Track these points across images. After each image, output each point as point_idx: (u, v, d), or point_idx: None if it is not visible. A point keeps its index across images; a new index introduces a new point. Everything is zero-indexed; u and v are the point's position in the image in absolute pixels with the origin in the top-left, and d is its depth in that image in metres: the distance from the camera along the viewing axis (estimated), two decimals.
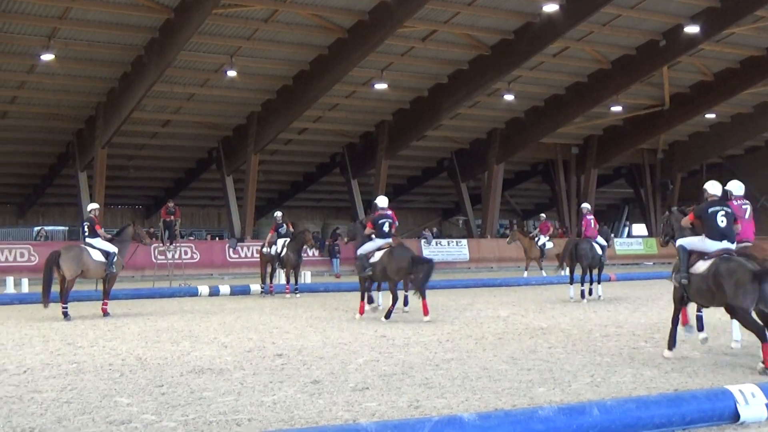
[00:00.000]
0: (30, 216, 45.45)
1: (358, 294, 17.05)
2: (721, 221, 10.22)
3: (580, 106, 37.65)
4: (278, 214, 24.11)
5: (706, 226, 10.30)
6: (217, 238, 42.22)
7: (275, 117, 34.44)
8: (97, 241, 17.22)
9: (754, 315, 9.60)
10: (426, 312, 15.25)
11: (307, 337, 12.99)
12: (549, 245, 30.10)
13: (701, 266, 10.18)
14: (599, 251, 20.13)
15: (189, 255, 33.16)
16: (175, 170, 44.09)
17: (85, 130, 35.12)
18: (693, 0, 29.86)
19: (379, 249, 15.84)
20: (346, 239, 18.58)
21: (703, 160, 48.71)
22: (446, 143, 43.56)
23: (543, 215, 33.10)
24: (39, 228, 42.62)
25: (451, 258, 38.38)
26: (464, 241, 41.23)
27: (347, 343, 12.29)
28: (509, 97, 36.33)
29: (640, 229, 54.44)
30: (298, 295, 22.44)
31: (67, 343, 12.69)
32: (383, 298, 17.79)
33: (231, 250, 35.12)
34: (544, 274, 29.69)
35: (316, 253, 33.86)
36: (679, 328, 10.81)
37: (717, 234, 10.20)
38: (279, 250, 22.59)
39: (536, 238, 30.45)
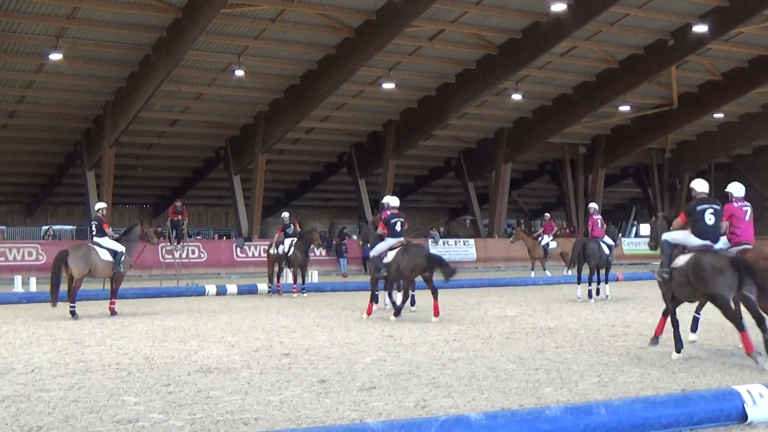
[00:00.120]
0: (38, 215, 45.58)
1: (365, 293, 17.07)
2: (709, 219, 10.48)
3: (587, 106, 37.56)
4: (285, 214, 24.14)
5: (693, 223, 10.55)
6: (224, 238, 42.27)
7: (283, 116, 34.45)
8: (105, 241, 17.26)
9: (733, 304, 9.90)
10: (436, 313, 15.24)
11: (314, 337, 12.99)
12: (552, 245, 30.04)
13: (681, 260, 10.43)
14: (607, 251, 20.11)
15: (196, 254, 33.20)
16: (183, 169, 44.15)
17: (93, 129, 35.18)
18: None
19: (391, 249, 15.79)
20: (361, 242, 18.53)
21: (711, 159, 48.54)
22: (454, 143, 43.52)
23: (547, 215, 33.05)
24: (47, 227, 42.71)
25: (458, 258, 38.33)
26: (471, 241, 41.21)
27: (354, 342, 12.29)
28: (517, 97, 36.30)
29: (647, 229, 54.28)
30: (305, 295, 22.45)
31: (75, 342, 12.72)
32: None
33: (238, 249, 35.16)
34: (548, 273, 29.63)
35: (323, 252, 33.88)
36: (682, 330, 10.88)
37: (702, 231, 10.47)
38: (286, 250, 22.62)
39: (540, 238, 30.40)
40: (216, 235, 44.83)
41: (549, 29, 29.52)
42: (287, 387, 8.75)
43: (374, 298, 16.57)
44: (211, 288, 23.25)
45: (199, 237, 41.39)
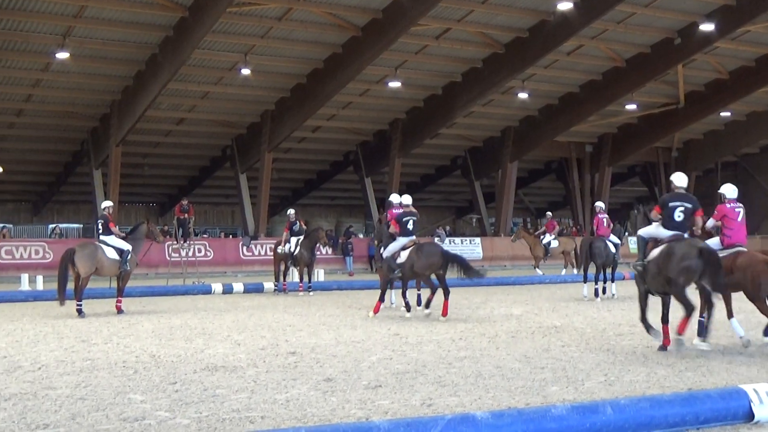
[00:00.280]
0: (45, 213, 45.71)
1: (371, 292, 17.03)
2: (678, 216, 10.82)
3: (594, 104, 37.53)
4: (291, 211, 24.16)
5: (664, 216, 10.88)
6: (230, 236, 42.32)
7: (289, 115, 34.48)
8: (112, 239, 17.29)
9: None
10: (445, 312, 15.17)
11: (320, 335, 12.99)
12: (554, 243, 29.98)
13: (655, 252, 10.77)
14: (613, 250, 20.07)
15: (203, 253, 33.26)
16: (189, 168, 44.24)
17: (100, 128, 35.26)
18: None
19: (404, 248, 15.68)
20: (376, 242, 18.41)
21: (717, 158, 48.50)
22: (460, 141, 43.53)
23: (549, 213, 33.04)
24: (54, 225, 42.80)
25: (464, 256, 38.25)
26: (477, 240, 41.19)
27: (360, 341, 12.29)
28: (523, 96, 36.30)
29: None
30: (311, 293, 22.46)
31: (82, 340, 12.74)
32: (396, 297, 17.82)
33: (244, 247, 35.20)
34: (539, 272, 29.61)
35: (330, 251, 33.89)
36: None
37: (671, 226, 10.81)
38: (292, 248, 22.62)
39: (542, 237, 30.35)
40: (222, 234, 44.88)
41: (555, 28, 29.51)
42: (293, 385, 8.75)
43: (382, 297, 16.51)
44: (217, 286, 23.26)
45: (205, 235, 41.45)
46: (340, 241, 37.06)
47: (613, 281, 20.52)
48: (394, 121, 39.15)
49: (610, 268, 20.29)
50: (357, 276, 32.82)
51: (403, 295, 16.32)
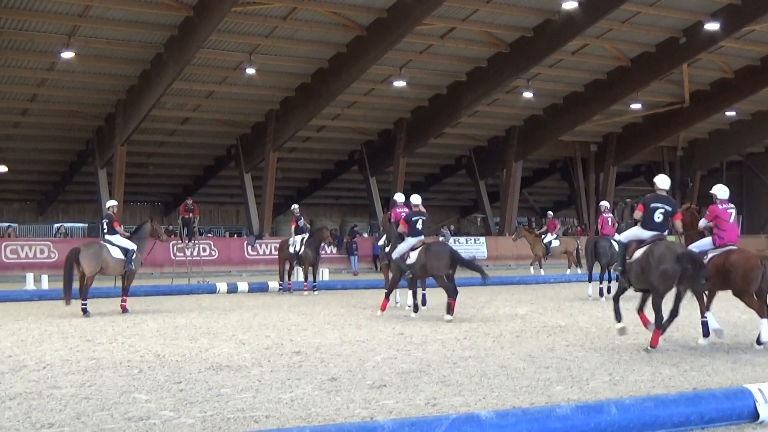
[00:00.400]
0: (50, 213, 45.78)
1: (376, 291, 17.01)
2: (658, 217, 11.24)
3: (599, 104, 37.48)
4: (295, 206, 24.17)
5: (644, 216, 11.31)
6: (235, 236, 42.33)
7: (294, 115, 34.49)
8: (117, 238, 17.31)
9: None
10: (450, 312, 15.15)
11: (324, 335, 13.00)
12: (555, 243, 29.95)
13: (638, 252, 11.12)
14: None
15: (207, 252, 33.25)
16: (194, 167, 44.27)
17: (105, 127, 35.30)
18: None
19: (413, 249, 15.64)
20: (385, 241, 18.33)
21: (723, 157, 48.39)
22: (465, 141, 43.51)
23: (550, 213, 33.03)
24: (59, 225, 42.83)
25: (469, 256, 38.27)
26: (482, 239, 41.14)
27: (365, 340, 12.29)
28: (528, 95, 36.24)
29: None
30: (316, 293, 22.47)
31: (86, 339, 12.76)
32: (401, 296, 17.83)
33: (249, 247, 35.22)
34: (532, 272, 29.59)
35: (334, 250, 33.90)
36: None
37: (650, 227, 11.25)
38: (297, 248, 22.64)
39: (543, 236, 30.32)
40: (227, 233, 44.89)
41: (560, 27, 29.47)
42: (298, 385, 8.76)
43: (388, 296, 16.47)
44: (222, 286, 23.29)
45: (210, 235, 41.48)
46: (344, 240, 37.06)
47: (617, 281, 20.45)
48: (399, 120, 39.14)
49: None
50: (362, 275, 32.81)
51: (414, 295, 16.29)
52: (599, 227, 20.69)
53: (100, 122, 35.49)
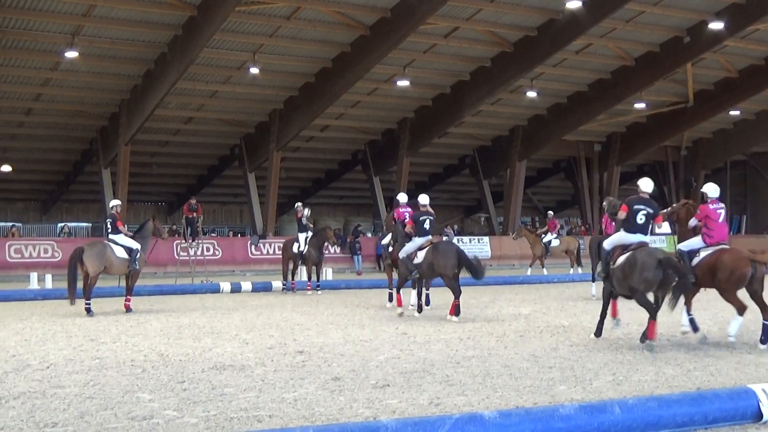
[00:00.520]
0: (54, 212, 45.83)
1: (379, 291, 16.99)
2: (640, 219, 11.50)
3: (603, 103, 37.45)
4: (299, 204, 24.14)
5: (627, 218, 11.54)
6: (239, 235, 42.36)
7: (297, 114, 34.49)
8: (120, 238, 17.33)
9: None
10: (452, 311, 15.14)
11: (328, 334, 13.00)
12: (555, 243, 29.91)
13: (621, 259, 11.34)
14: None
15: (211, 252, 33.28)
16: (198, 167, 44.31)
17: (109, 127, 35.32)
18: None
19: (420, 248, 15.62)
20: (391, 242, 18.30)
21: (727, 157, 48.32)
22: (468, 140, 43.49)
23: (550, 213, 32.99)
24: (62, 224, 42.93)
25: (472, 255, 38.21)
26: (486, 239, 41.12)
27: (368, 340, 12.29)
28: (532, 94, 36.22)
29: (663, 226, 53.95)
30: (319, 292, 22.48)
31: (90, 338, 12.78)
32: (404, 296, 17.80)
33: (253, 246, 35.23)
34: (529, 273, 29.54)
35: (338, 250, 33.90)
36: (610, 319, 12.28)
37: (633, 229, 11.49)
38: (301, 248, 22.66)
39: (543, 236, 30.28)
40: (230, 233, 44.93)
41: (564, 26, 29.45)
42: (301, 384, 8.76)
43: (389, 296, 16.44)
44: (225, 285, 23.31)
45: (213, 234, 41.54)
46: (348, 240, 37.06)
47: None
48: (403, 120, 39.13)
49: None
50: (365, 275, 32.82)
51: (418, 295, 16.28)
52: (603, 227, 20.64)
53: (104, 122, 35.52)
